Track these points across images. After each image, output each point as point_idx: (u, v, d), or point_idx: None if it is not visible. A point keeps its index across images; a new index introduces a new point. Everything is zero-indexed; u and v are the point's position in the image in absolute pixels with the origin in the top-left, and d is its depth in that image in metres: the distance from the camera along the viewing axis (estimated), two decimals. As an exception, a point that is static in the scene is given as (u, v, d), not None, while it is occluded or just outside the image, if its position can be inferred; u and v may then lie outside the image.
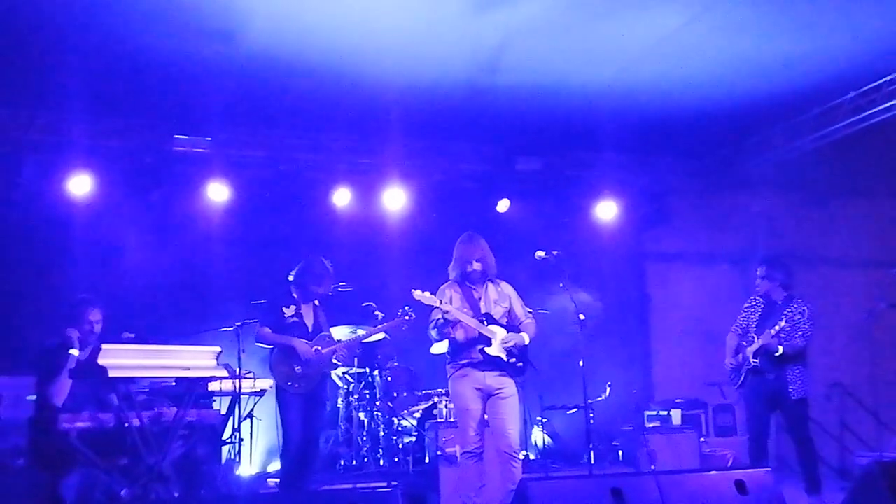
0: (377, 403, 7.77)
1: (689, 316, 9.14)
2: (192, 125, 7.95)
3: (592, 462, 6.50)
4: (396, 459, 7.57)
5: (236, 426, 6.74)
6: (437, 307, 5.55)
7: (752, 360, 6.22)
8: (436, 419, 7.47)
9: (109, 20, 6.12)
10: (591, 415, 6.60)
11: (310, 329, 6.17)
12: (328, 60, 6.77)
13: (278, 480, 6.50)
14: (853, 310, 8.51)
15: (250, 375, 6.59)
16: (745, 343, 6.36)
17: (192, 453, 5.52)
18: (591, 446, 6.73)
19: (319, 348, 6.10)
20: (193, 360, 5.21)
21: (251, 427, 7.13)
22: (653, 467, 7.31)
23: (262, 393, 6.85)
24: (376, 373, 7.88)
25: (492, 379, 5.55)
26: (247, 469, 7.31)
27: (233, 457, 6.90)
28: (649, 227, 9.68)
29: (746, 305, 6.53)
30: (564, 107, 7.78)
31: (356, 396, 7.87)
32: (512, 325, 5.71)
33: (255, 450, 7.42)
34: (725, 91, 7.54)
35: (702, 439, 8.03)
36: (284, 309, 6.13)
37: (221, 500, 5.69)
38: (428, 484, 6.85)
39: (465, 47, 6.68)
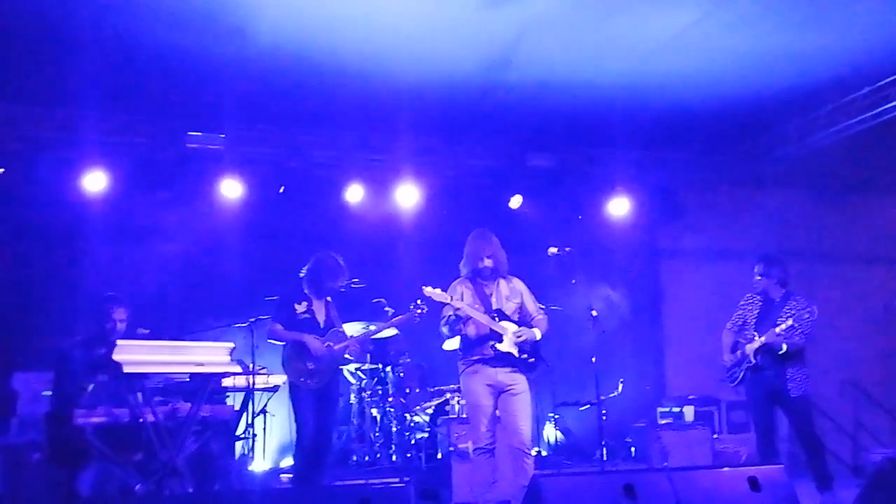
0: (390, 399, 7.79)
1: (703, 312, 9.10)
2: (205, 122, 7.97)
3: (605, 458, 6.51)
4: (409, 455, 7.59)
5: (250, 422, 6.78)
6: (448, 303, 5.56)
7: (752, 358, 6.18)
8: (448, 415, 7.49)
9: (123, 18, 6.15)
10: (604, 411, 6.58)
11: (321, 325, 6.19)
12: (340, 57, 6.78)
13: (291, 476, 6.53)
14: (867, 307, 8.47)
15: (264, 371, 6.61)
16: (742, 340, 6.31)
17: (205, 449, 5.55)
18: (603, 443, 6.74)
19: (331, 344, 6.12)
20: (207, 355, 5.23)
21: (265, 423, 7.15)
22: (665, 464, 7.31)
23: (275, 389, 6.86)
24: (389, 369, 7.90)
25: (503, 375, 5.56)
26: (260, 464, 7.34)
27: (246, 452, 6.93)
28: (662, 223, 9.65)
29: (743, 303, 6.48)
30: (577, 103, 7.76)
31: (369, 392, 7.89)
32: (524, 321, 5.72)
33: (269, 445, 7.44)
34: (738, 87, 7.51)
35: (715, 436, 8.01)
36: (296, 305, 6.15)
37: (235, 496, 5.70)
38: (440, 480, 6.87)
39: (478, 43, 6.67)
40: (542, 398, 7.33)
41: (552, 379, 7.04)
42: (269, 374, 6.64)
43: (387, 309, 7.12)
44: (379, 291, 7.33)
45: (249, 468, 6.94)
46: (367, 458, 7.71)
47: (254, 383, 6.32)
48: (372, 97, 7.48)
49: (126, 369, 4.82)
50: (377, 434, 7.80)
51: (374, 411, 7.87)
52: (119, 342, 4.90)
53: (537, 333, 5.68)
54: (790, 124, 8.48)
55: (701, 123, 8.30)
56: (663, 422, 8.24)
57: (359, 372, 8.01)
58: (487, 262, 5.69)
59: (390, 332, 7.44)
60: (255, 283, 7.69)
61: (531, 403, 5.70)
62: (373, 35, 6.45)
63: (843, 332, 8.58)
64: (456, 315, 5.53)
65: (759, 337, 6.13)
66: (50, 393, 5.88)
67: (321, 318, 6.22)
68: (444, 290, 5.65)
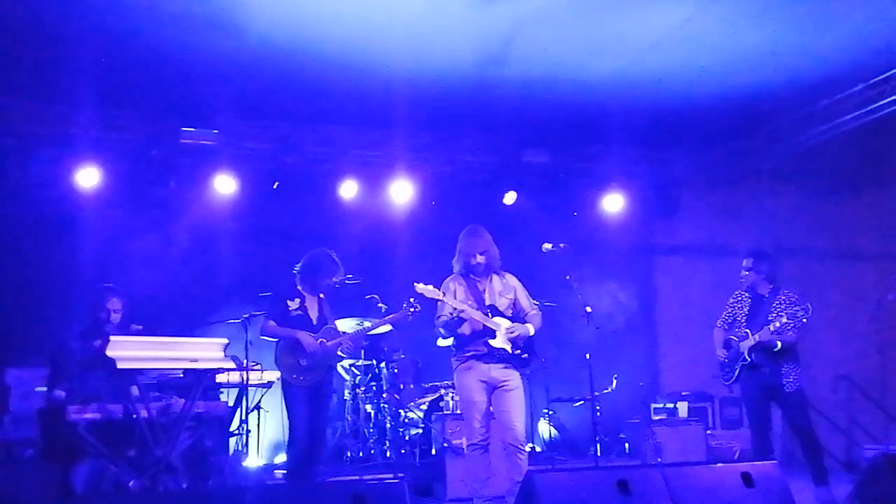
0: (384, 395, 7.79)
1: (697, 309, 9.11)
2: (199, 118, 7.96)
3: (599, 454, 6.52)
4: (403, 451, 7.60)
5: (244, 418, 6.78)
6: (441, 300, 5.56)
7: (747, 355, 6.18)
8: (442, 411, 7.50)
9: (116, 14, 6.12)
10: (598, 407, 6.61)
11: (314, 321, 6.18)
12: (335, 53, 6.77)
13: (285, 472, 6.52)
14: (862, 302, 8.47)
15: (257, 367, 6.61)
16: (734, 337, 6.31)
17: (199, 445, 5.54)
18: (597, 439, 6.75)
19: (324, 340, 6.11)
20: (201, 351, 5.22)
21: (258, 418, 7.16)
22: (659, 460, 7.32)
23: (269, 385, 6.88)
24: (383, 365, 7.90)
25: (497, 371, 5.56)
26: (254, 460, 7.35)
27: (240, 448, 6.93)
28: (657, 219, 9.66)
29: (732, 300, 6.47)
30: (572, 99, 7.76)
31: (363, 388, 7.89)
32: (517, 317, 5.72)
33: (263, 441, 7.45)
34: (734, 83, 7.51)
35: (708, 432, 8.03)
36: (289, 302, 6.13)
37: (229, 492, 5.70)
38: (434, 475, 6.88)
39: (473, 39, 6.67)
40: (536, 394, 7.34)
41: (546, 375, 7.04)
42: (262, 371, 6.64)
43: (380, 305, 7.13)
44: (372, 287, 7.33)
45: (243, 464, 6.94)
46: (360, 454, 7.71)
47: (248, 379, 6.32)
48: (366, 93, 7.47)
49: (120, 365, 4.80)
50: (371, 430, 7.80)
51: (369, 407, 7.87)
52: (112, 338, 4.89)
53: (531, 329, 5.67)
54: (785, 121, 8.49)
55: (695, 120, 8.31)
56: (657, 418, 8.27)
57: (353, 368, 8.00)
58: (480, 259, 5.69)
59: (384, 328, 7.43)
60: (249, 278, 7.70)
61: (525, 399, 5.71)
62: (367, 30, 6.43)
63: (837, 328, 8.59)
64: (459, 317, 5.53)
65: (754, 335, 6.13)
66: (45, 389, 5.87)
67: (314, 314, 6.21)
68: (438, 286, 5.64)
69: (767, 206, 9.26)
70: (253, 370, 6.46)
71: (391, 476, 6.65)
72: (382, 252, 8.44)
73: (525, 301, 5.82)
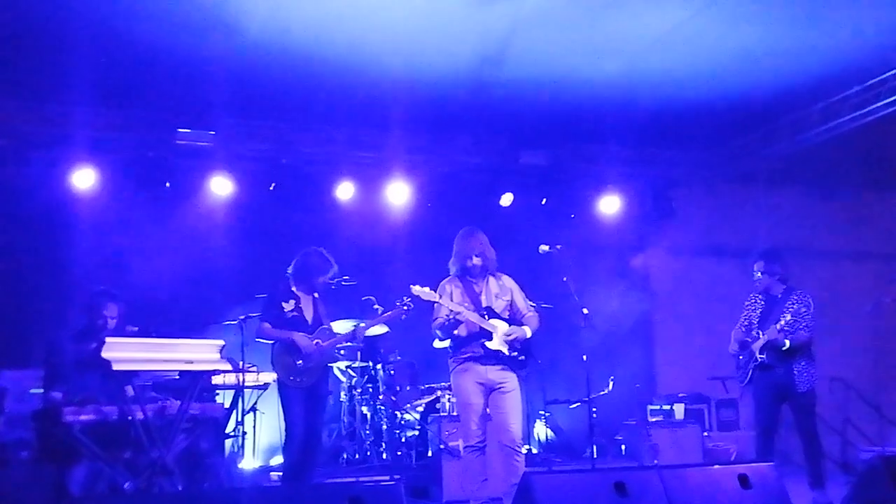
0: (380, 397, 7.78)
1: (693, 310, 9.12)
2: (195, 119, 7.94)
3: (595, 456, 6.52)
4: (399, 453, 7.59)
5: (240, 419, 6.76)
6: (438, 303, 5.55)
7: (758, 355, 6.20)
8: (438, 413, 7.48)
9: (113, 14, 6.12)
10: (594, 409, 6.59)
11: (309, 322, 6.16)
12: (332, 54, 6.76)
13: (281, 474, 6.51)
14: (858, 304, 8.48)
15: (253, 369, 6.59)
16: (749, 339, 6.33)
17: (195, 447, 5.53)
18: (593, 440, 6.74)
19: (320, 341, 6.10)
20: (197, 353, 5.21)
21: (254, 420, 7.14)
22: (656, 461, 7.32)
23: (265, 386, 6.85)
24: (379, 366, 7.89)
25: (493, 373, 5.55)
26: (250, 462, 7.33)
27: (236, 450, 6.92)
28: (653, 220, 9.66)
29: (747, 303, 6.49)
30: (569, 100, 7.76)
31: (359, 390, 7.88)
32: (514, 319, 5.71)
33: (259, 443, 7.43)
34: (730, 84, 7.52)
35: (705, 433, 8.03)
36: (284, 304, 6.11)
37: (225, 494, 5.69)
38: (431, 477, 6.87)
39: (470, 40, 6.66)
40: (532, 396, 7.32)
41: (543, 376, 7.03)
42: (258, 372, 6.62)
43: (376, 307, 7.10)
44: (369, 289, 7.31)
45: (239, 466, 6.93)
46: (357, 456, 7.70)
47: (243, 381, 6.30)
48: (363, 94, 7.46)
49: (115, 367, 4.80)
50: (367, 432, 7.79)
51: (365, 409, 7.86)
52: (108, 339, 4.88)
53: (527, 331, 5.67)
54: (782, 122, 8.49)
55: (692, 121, 8.32)
56: (654, 419, 8.27)
57: (349, 370, 7.99)
58: (476, 261, 5.68)
59: (381, 329, 7.42)
60: (246, 279, 7.67)
61: (522, 401, 5.70)
62: (364, 31, 6.43)
63: (833, 329, 8.59)
64: (455, 319, 5.52)
65: (763, 335, 6.16)
66: (41, 390, 5.85)
67: (309, 315, 6.19)
68: (434, 288, 5.64)
69: (764, 208, 9.28)
70: (249, 372, 6.44)
71: (387, 478, 6.63)
72: (379, 254, 8.42)
73: (522, 303, 5.81)
